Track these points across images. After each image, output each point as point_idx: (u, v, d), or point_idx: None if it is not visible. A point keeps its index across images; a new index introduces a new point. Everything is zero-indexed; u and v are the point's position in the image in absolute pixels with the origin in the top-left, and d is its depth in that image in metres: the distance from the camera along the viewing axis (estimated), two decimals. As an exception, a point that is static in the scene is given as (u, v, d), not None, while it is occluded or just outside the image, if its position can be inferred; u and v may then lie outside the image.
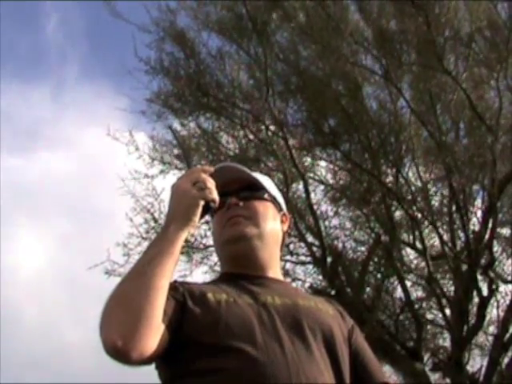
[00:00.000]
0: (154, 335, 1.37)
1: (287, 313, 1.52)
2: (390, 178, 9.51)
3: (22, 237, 16.16)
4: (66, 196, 15.85)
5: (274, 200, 1.71)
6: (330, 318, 1.58)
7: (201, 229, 9.24)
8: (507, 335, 8.94)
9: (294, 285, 1.81)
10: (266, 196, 1.68)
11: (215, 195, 1.51)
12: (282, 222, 1.72)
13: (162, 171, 9.88)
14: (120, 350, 1.34)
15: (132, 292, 1.37)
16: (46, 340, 15.16)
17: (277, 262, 1.69)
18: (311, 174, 9.86)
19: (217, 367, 1.40)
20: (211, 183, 1.51)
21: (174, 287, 1.52)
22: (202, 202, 1.49)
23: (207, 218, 1.67)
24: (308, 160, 9.96)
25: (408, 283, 9.89)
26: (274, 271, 1.67)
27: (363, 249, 10.30)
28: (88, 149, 15.78)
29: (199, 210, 1.49)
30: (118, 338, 1.33)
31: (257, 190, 1.67)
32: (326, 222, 9.88)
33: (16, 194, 16.09)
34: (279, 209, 1.72)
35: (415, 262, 10.22)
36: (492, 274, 9.06)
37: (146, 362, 1.40)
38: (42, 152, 19.64)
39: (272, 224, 1.66)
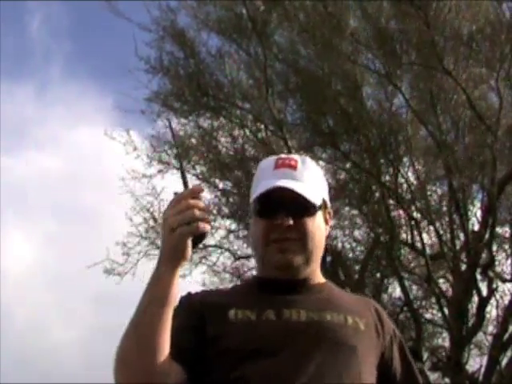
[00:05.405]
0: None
1: (310, 332, 1.47)
2: (389, 178, 9.52)
3: (10, 236, 16.16)
4: (53, 195, 15.89)
5: (324, 202, 1.61)
6: (357, 335, 1.51)
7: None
8: (506, 335, 8.94)
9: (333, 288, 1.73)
10: (317, 207, 1.57)
11: (204, 227, 1.37)
12: (327, 221, 1.63)
13: (160, 171, 9.91)
14: None
15: (133, 354, 1.38)
16: (34, 340, 15.17)
17: (317, 267, 1.63)
18: (310, 174, 9.84)
19: None
20: (200, 210, 1.37)
21: (191, 308, 1.51)
22: (190, 238, 1.38)
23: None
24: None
25: (407, 283, 9.91)
26: (313, 276, 1.61)
27: (362, 248, 10.31)
28: (75, 147, 15.83)
29: (188, 247, 1.39)
30: None
31: (310, 204, 1.55)
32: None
33: (4, 193, 16.09)
34: (325, 207, 1.63)
35: (414, 261, 10.23)
36: (491, 274, 9.07)
37: None
38: (28, 151, 19.61)
39: (319, 236, 1.58)
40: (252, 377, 1.40)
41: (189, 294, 1.59)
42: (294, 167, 1.59)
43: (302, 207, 1.54)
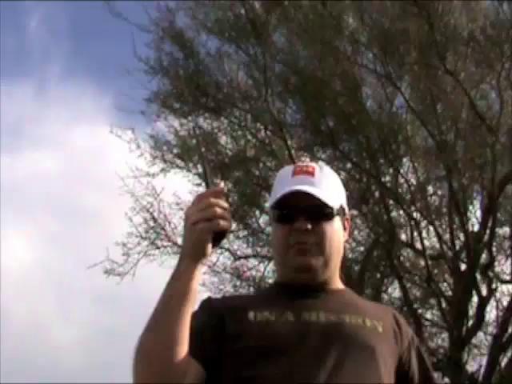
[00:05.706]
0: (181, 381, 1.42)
1: (329, 333, 1.49)
2: (389, 178, 9.52)
3: (10, 236, 16.18)
4: (52, 195, 15.91)
5: (342, 209, 1.64)
6: (375, 337, 1.53)
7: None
8: (506, 335, 8.94)
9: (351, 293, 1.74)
10: (335, 211, 1.60)
11: (225, 224, 1.41)
12: (344, 228, 1.66)
13: (162, 169, 9.92)
14: None
15: (152, 349, 1.40)
16: (34, 340, 15.19)
17: (336, 273, 1.66)
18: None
19: None
20: (222, 208, 1.41)
21: (211, 310, 1.53)
22: (211, 234, 1.41)
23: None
24: (307, 160, 9.96)
25: (407, 283, 9.90)
26: (332, 281, 1.64)
27: (362, 249, 10.31)
28: (74, 147, 15.84)
29: (209, 243, 1.41)
30: None
31: (327, 208, 1.58)
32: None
33: (4, 193, 16.10)
34: (343, 214, 1.65)
35: (414, 261, 10.22)
36: (491, 274, 9.07)
37: None
38: (27, 150, 19.63)
39: (337, 241, 1.62)
40: (268, 375, 1.42)
41: (209, 297, 1.62)
42: (312, 173, 1.61)
43: (319, 212, 1.57)
